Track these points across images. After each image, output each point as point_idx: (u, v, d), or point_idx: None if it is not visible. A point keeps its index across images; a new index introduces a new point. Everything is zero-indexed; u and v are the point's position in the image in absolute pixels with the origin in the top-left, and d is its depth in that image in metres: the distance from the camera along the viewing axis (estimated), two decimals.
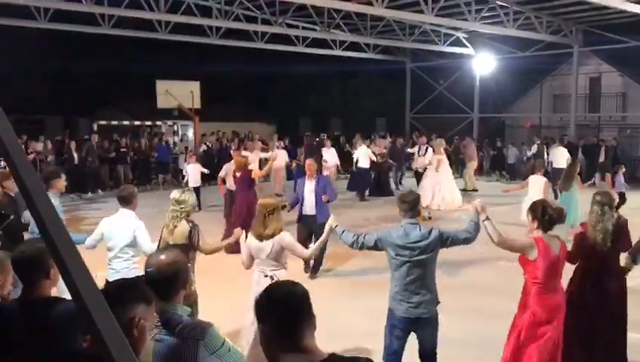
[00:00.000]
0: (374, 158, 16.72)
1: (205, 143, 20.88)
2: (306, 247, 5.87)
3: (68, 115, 27.30)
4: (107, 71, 29.60)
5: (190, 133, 26.62)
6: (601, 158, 19.01)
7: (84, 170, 17.01)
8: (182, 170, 18.86)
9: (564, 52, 22.26)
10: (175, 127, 30.30)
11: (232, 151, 18.94)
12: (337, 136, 23.53)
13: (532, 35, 19.54)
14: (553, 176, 16.76)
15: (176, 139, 24.15)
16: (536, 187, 10.26)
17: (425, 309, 4.40)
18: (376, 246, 4.53)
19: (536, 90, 26.02)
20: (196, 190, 12.17)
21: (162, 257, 2.69)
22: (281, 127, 29.94)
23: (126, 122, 30.62)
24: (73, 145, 17.67)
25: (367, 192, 16.52)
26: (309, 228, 8.29)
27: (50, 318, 2.55)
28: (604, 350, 4.88)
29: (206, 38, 20.36)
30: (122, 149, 18.65)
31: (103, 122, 30.61)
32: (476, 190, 17.33)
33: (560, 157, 16.37)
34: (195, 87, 21.69)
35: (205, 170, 14.12)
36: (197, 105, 21.52)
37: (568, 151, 20.70)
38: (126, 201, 5.45)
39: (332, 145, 18.68)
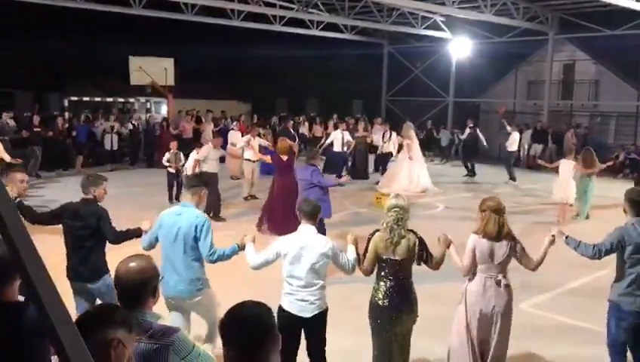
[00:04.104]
0: (350, 140, 16.67)
1: (131, 122, 19.94)
2: None
3: (38, 89, 26.59)
4: (80, 46, 28.92)
5: (164, 110, 26.29)
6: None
7: None
8: (108, 149, 18.20)
9: (540, 39, 22.47)
10: (148, 105, 29.87)
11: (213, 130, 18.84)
12: (313, 117, 23.48)
13: (509, 20, 19.66)
14: (508, 159, 17.41)
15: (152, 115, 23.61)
16: (566, 170, 11.14)
17: None
18: (614, 250, 4.62)
19: (511, 76, 26.21)
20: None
21: (132, 265, 2.66)
22: (256, 107, 29.71)
23: (98, 98, 30.05)
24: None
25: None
26: None
27: (21, 323, 2.50)
28: None
29: (181, 15, 19.95)
30: (36, 129, 16.46)
31: (74, 98, 29.97)
32: None
33: (514, 141, 16.89)
34: (169, 64, 21.36)
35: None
36: (170, 82, 21.22)
37: (541, 137, 21.37)
38: (311, 216, 4.49)
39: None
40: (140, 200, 12.09)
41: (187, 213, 4.68)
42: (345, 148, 16.50)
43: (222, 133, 18.01)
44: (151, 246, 4.84)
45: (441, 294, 6.23)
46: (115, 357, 2.00)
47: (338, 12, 21.64)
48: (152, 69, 20.64)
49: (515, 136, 17.13)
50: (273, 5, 20.78)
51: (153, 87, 21.48)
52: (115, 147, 18.65)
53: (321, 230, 6.43)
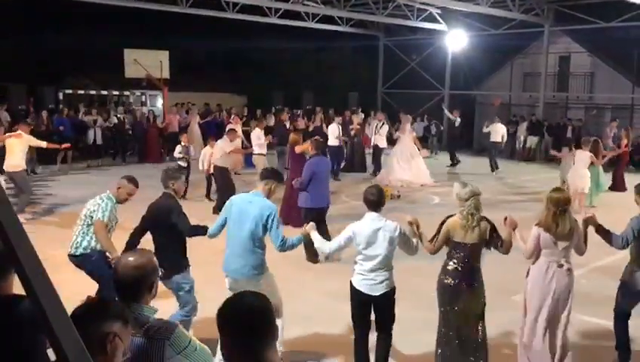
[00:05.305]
0: (341, 135, 16.54)
1: (116, 115, 19.69)
2: None
3: (33, 83, 26.43)
4: (75, 39, 28.73)
5: (159, 104, 26.19)
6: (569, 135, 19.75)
7: None
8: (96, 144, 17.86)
9: (536, 31, 22.48)
10: (143, 98, 29.74)
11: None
12: (310, 110, 23.38)
13: (504, 13, 19.65)
14: (490, 149, 17.78)
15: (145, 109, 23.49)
16: (582, 161, 11.72)
17: None
18: (636, 237, 4.89)
19: (507, 68, 26.20)
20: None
21: (130, 260, 2.67)
22: (252, 100, 29.65)
23: (93, 91, 29.93)
24: None
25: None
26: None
27: (17, 316, 2.50)
28: None
29: (175, 7, 19.80)
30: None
31: (69, 91, 29.85)
32: None
33: (496, 132, 17.43)
34: (164, 56, 21.23)
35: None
36: (166, 75, 21.10)
37: (536, 129, 21.45)
38: (376, 205, 4.64)
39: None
40: (143, 193, 11.93)
41: (258, 201, 4.81)
42: (339, 142, 16.41)
43: (210, 126, 18.09)
44: (218, 230, 4.98)
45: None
46: (111, 351, 2.00)
47: (333, 4, 21.55)
48: (147, 62, 20.50)
49: (497, 127, 17.44)
50: None
51: (148, 80, 21.35)
52: (100, 141, 18.33)
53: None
